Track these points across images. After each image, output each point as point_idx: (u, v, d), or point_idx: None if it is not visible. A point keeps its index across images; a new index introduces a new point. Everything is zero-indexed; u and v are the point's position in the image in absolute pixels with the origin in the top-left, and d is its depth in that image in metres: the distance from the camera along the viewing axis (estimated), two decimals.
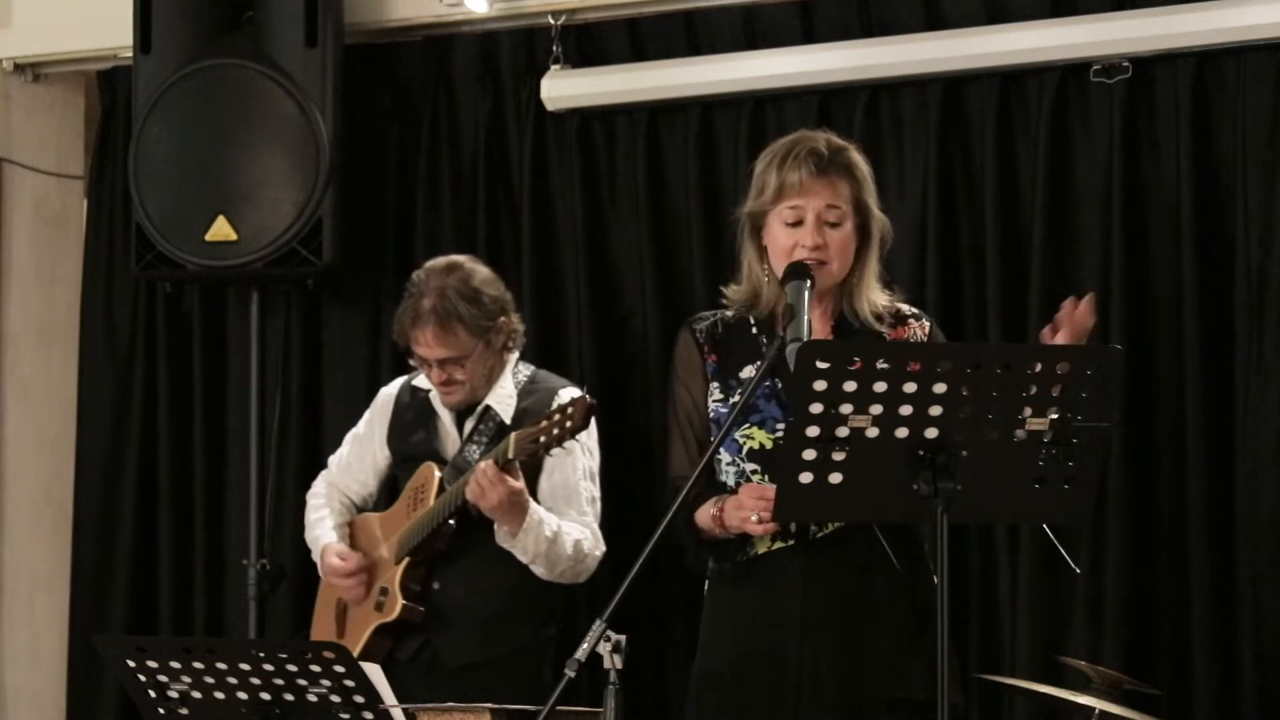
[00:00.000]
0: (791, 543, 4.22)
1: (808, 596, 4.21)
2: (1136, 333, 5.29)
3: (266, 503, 6.05)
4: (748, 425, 4.25)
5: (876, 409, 3.69)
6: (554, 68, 5.84)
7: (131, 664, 4.07)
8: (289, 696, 4.00)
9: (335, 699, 3.98)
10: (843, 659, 4.19)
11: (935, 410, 3.69)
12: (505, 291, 5.10)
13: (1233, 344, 5.25)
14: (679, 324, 4.48)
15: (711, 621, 4.35)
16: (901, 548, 4.21)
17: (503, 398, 5.04)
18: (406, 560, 5.01)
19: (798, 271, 4.13)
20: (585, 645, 3.69)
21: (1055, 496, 3.80)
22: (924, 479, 3.71)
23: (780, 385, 4.23)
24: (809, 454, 3.72)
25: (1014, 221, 5.46)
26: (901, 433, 3.71)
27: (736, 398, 4.24)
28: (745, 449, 4.25)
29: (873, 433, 3.71)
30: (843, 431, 3.71)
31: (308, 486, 5.40)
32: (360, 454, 5.28)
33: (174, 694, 4.07)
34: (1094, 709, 4.35)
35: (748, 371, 4.29)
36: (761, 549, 4.25)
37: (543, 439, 4.69)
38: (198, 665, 4.02)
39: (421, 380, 5.14)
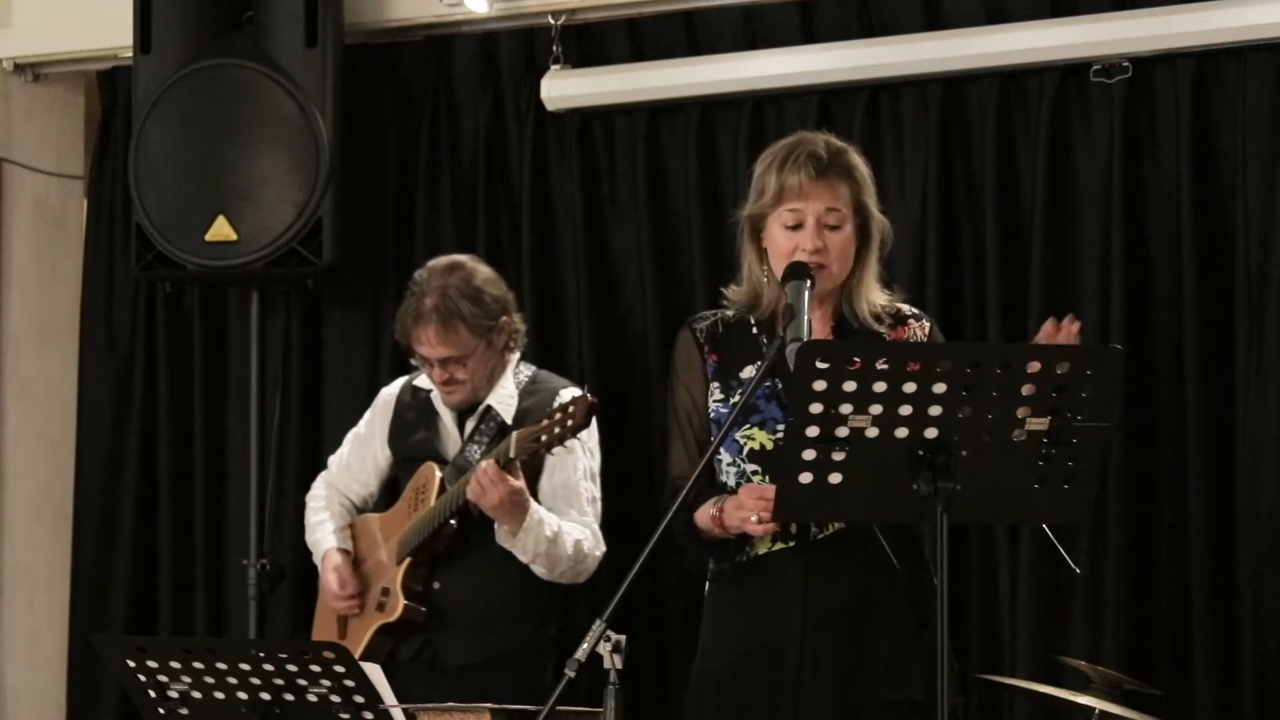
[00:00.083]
0: (792, 544, 4.22)
1: (808, 597, 4.20)
2: (1136, 333, 5.29)
3: (266, 503, 6.05)
4: (748, 426, 4.25)
5: (876, 409, 3.69)
6: (554, 68, 5.85)
7: (131, 664, 4.07)
8: (289, 696, 4.00)
9: (335, 699, 3.98)
10: (842, 659, 4.19)
11: (935, 410, 3.69)
12: (507, 291, 5.10)
13: (1233, 344, 5.25)
14: (679, 324, 4.48)
15: (711, 621, 4.35)
16: (901, 548, 4.21)
17: (504, 398, 5.04)
18: (408, 560, 5.01)
19: (797, 271, 4.13)
20: (585, 645, 3.69)
21: (1055, 496, 3.79)
22: (924, 479, 3.71)
23: (781, 386, 4.22)
24: (809, 454, 3.72)
25: (1014, 221, 5.46)
26: (901, 433, 3.71)
27: (737, 398, 4.24)
28: (746, 450, 4.25)
29: (872, 433, 3.70)
30: (842, 431, 3.71)
31: (308, 486, 5.40)
32: (361, 454, 5.27)
33: (174, 694, 4.07)
34: (1094, 709, 4.35)
35: (748, 371, 4.29)
36: (762, 550, 4.24)
37: (544, 438, 4.69)
38: (198, 665, 4.02)
39: (423, 380, 5.14)
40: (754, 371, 4.24)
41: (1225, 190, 5.29)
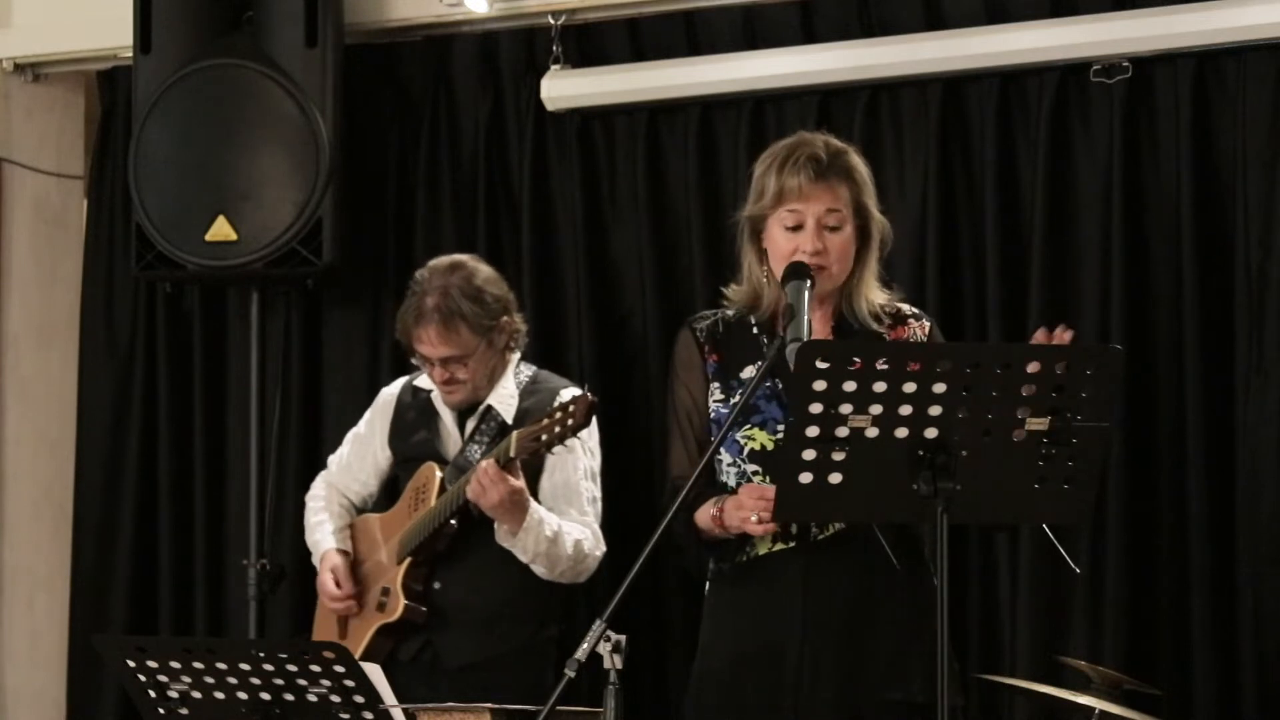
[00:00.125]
0: (792, 544, 4.22)
1: (808, 597, 4.20)
2: (1136, 333, 5.29)
3: (266, 503, 6.05)
4: (749, 426, 4.25)
5: (876, 409, 3.69)
6: (554, 68, 5.85)
7: (131, 664, 4.07)
8: (289, 696, 4.00)
9: (335, 699, 3.98)
10: (842, 660, 4.19)
11: (935, 410, 3.69)
12: (508, 291, 5.10)
13: (1233, 344, 5.25)
14: (679, 324, 4.47)
15: (711, 621, 4.35)
16: (901, 548, 4.21)
17: (504, 398, 5.04)
18: (408, 560, 5.01)
19: (798, 271, 4.13)
20: (585, 645, 3.69)
21: (1055, 496, 3.79)
22: (924, 479, 3.71)
23: (781, 386, 4.22)
24: (809, 454, 3.72)
25: (1014, 221, 5.46)
26: (901, 433, 3.70)
27: (737, 398, 4.24)
28: (746, 450, 4.25)
29: (872, 433, 3.70)
30: (842, 431, 3.71)
31: (308, 486, 5.40)
32: (361, 454, 5.27)
33: (174, 694, 4.07)
34: (1094, 709, 4.35)
35: (749, 371, 4.29)
36: (763, 550, 4.24)
37: (544, 437, 4.69)
38: (198, 665, 4.02)
39: (423, 380, 5.14)
40: (754, 372, 4.24)
41: (1225, 190, 5.29)
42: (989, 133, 5.48)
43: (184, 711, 4.09)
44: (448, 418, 5.10)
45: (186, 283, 6.14)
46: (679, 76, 5.73)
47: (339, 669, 3.94)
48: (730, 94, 5.69)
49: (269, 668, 3.98)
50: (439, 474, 5.02)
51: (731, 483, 4.27)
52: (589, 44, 5.89)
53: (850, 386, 3.67)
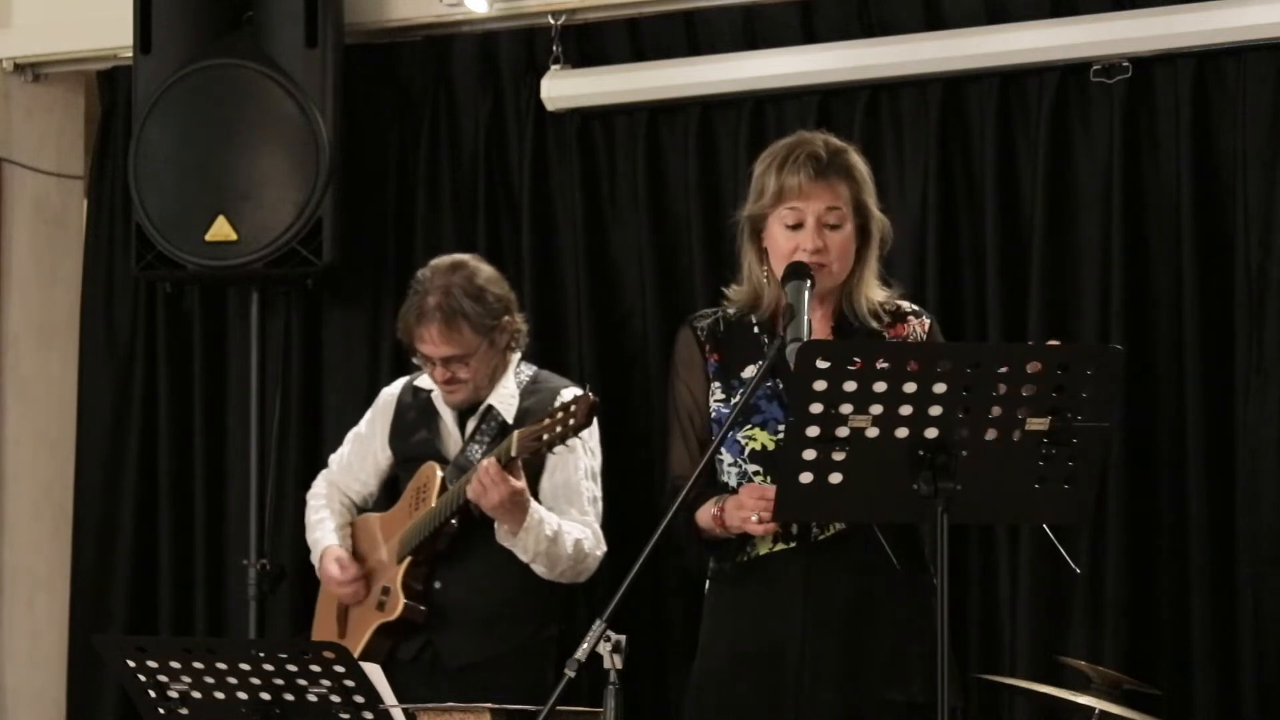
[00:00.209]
0: (793, 544, 4.22)
1: (808, 597, 4.20)
2: (1136, 333, 5.29)
3: (266, 503, 6.05)
4: (749, 426, 4.25)
5: (876, 409, 3.69)
6: (554, 68, 5.85)
7: (131, 664, 4.07)
8: (289, 696, 4.00)
9: (335, 699, 3.98)
10: (842, 660, 4.19)
11: (935, 410, 3.69)
12: (509, 291, 5.10)
13: (1233, 344, 5.25)
14: (679, 324, 4.48)
15: (711, 621, 4.35)
16: (901, 548, 4.21)
17: (505, 397, 5.04)
18: (408, 560, 5.01)
19: (798, 271, 4.13)
20: (585, 645, 3.69)
21: (1055, 496, 3.80)
22: (924, 479, 3.71)
23: (781, 386, 4.22)
24: (809, 454, 3.72)
25: (1014, 221, 5.46)
26: (901, 433, 3.71)
27: (738, 398, 4.24)
28: (747, 450, 4.25)
29: (873, 433, 3.70)
30: (843, 431, 3.71)
31: (308, 486, 5.40)
32: (361, 454, 5.27)
33: (174, 694, 4.07)
34: (1094, 709, 4.35)
35: (749, 371, 4.29)
36: (763, 550, 4.24)
37: (545, 437, 4.69)
38: (198, 665, 4.02)
39: (424, 380, 5.14)
40: (755, 371, 4.24)
41: (1225, 190, 5.29)
42: (989, 133, 5.48)
43: (184, 711, 4.09)
44: (448, 417, 5.10)
45: (186, 283, 6.14)
46: (679, 76, 5.73)
47: (339, 669, 3.94)
48: (730, 94, 5.69)
49: (269, 668, 3.98)
50: (440, 473, 5.02)
51: (732, 483, 4.27)
52: (589, 44, 5.89)
53: (850, 386, 3.67)
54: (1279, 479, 5.18)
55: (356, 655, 4.56)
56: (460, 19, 6.00)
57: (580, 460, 5.00)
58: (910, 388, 3.68)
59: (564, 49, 5.85)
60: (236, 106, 5.90)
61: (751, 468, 4.25)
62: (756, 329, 4.34)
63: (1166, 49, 5.32)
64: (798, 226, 4.24)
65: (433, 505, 4.99)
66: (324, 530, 5.23)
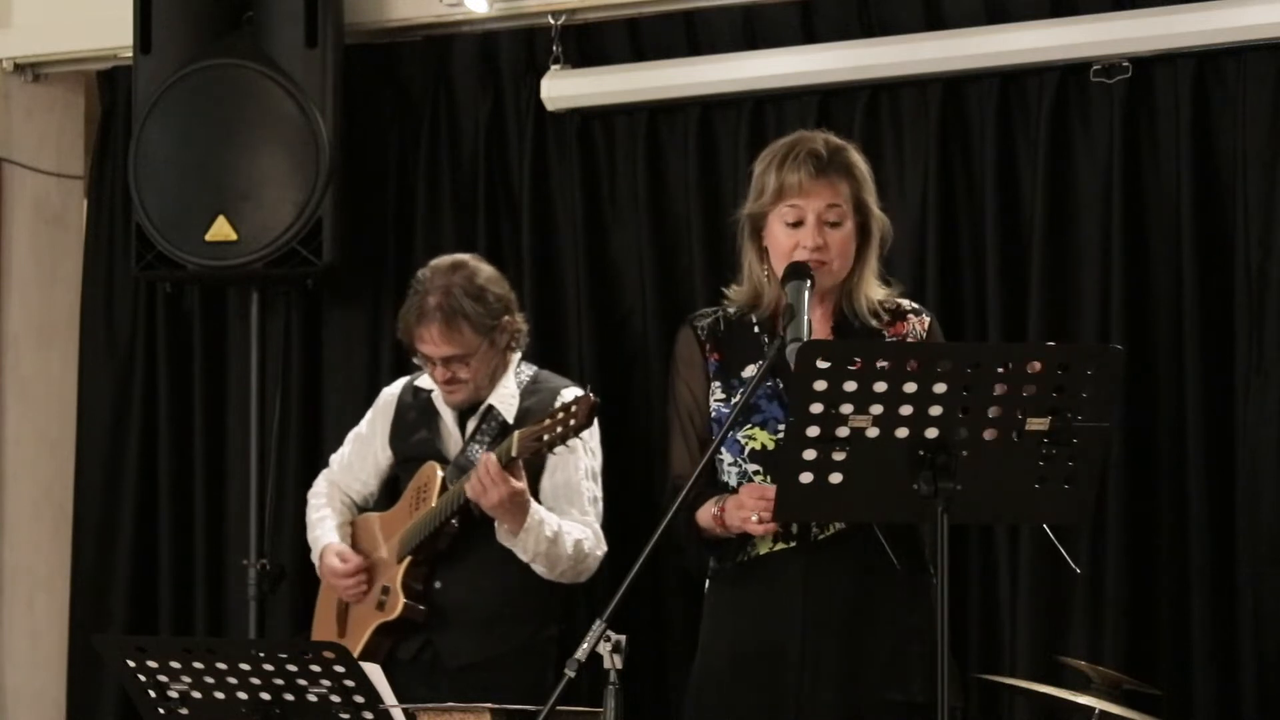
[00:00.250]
0: (793, 544, 4.22)
1: (808, 597, 4.20)
2: (1136, 333, 5.29)
3: (266, 503, 6.05)
4: (749, 426, 4.25)
5: (877, 409, 3.69)
6: (554, 68, 5.85)
7: (131, 664, 4.07)
8: (289, 696, 4.00)
9: (335, 699, 3.98)
10: (842, 660, 4.19)
11: (935, 410, 3.69)
12: (510, 290, 5.10)
13: (1233, 344, 5.25)
14: (679, 324, 4.48)
15: (711, 621, 4.35)
16: (901, 548, 4.21)
17: (505, 397, 5.04)
18: (408, 559, 5.01)
19: (798, 271, 4.13)
20: (585, 645, 3.69)
21: (1055, 496, 3.80)
22: (924, 479, 3.71)
23: (782, 386, 4.22)
24: (809, 454, 3.72)
25: (1014, 221, 5.46)
26: (902, 433, 3.71)
27: (738, 397, 4.24)
28: (747, 450, 4.25)
29: (873, 433, 3.71)
30: (843, 431, 3.71)
31: (308, 486, 5.40)
32: (362, 453, 5.28)
33: (174, 694, 4.07)
34: (1094, 709, 4.35)
35: (750, 370, 4.29)
36: (763, 549, 4.24)
37: (546, 437, 4.69)
38: (198, 665, 4.02)
39: (424, 380, 5.14)
40: (755, 371, 4.24)
41: (1225, 190, 5.29)
42: (989, 133, 5.48)
43: (184, 711, 4.09)
44: (448, 417, 5.10)
45: (186, 283, 6.14)
46: (679, 76, 5.73)
47: (339, 669, 3.94)
48: (730, 94, 5.69)
49: (269, 668, 3.98)
50: (440, 473, 5.02)
51: (732, 482, 4.27)
52: (589, 44, 5.89)
53: (851, 386, 3.67)
54: (1279, 479, 5.18)
55: (356, 655, 4.56)
56: (460, 19, 6.00)
57: (581, 460, 5.00)
58: (910, 388, 3.68)
59: (564, 49, 5.85)
60: (236, 106, 5.90)
61: (751, 467, 4.25)
62: (757, 328, 4.34)
63: (1166, 49, 5.32)
64: (798, 224, 4.24)
65: (433, 505, 4.99)
66: (325, 528, 5.23)
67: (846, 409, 3.69)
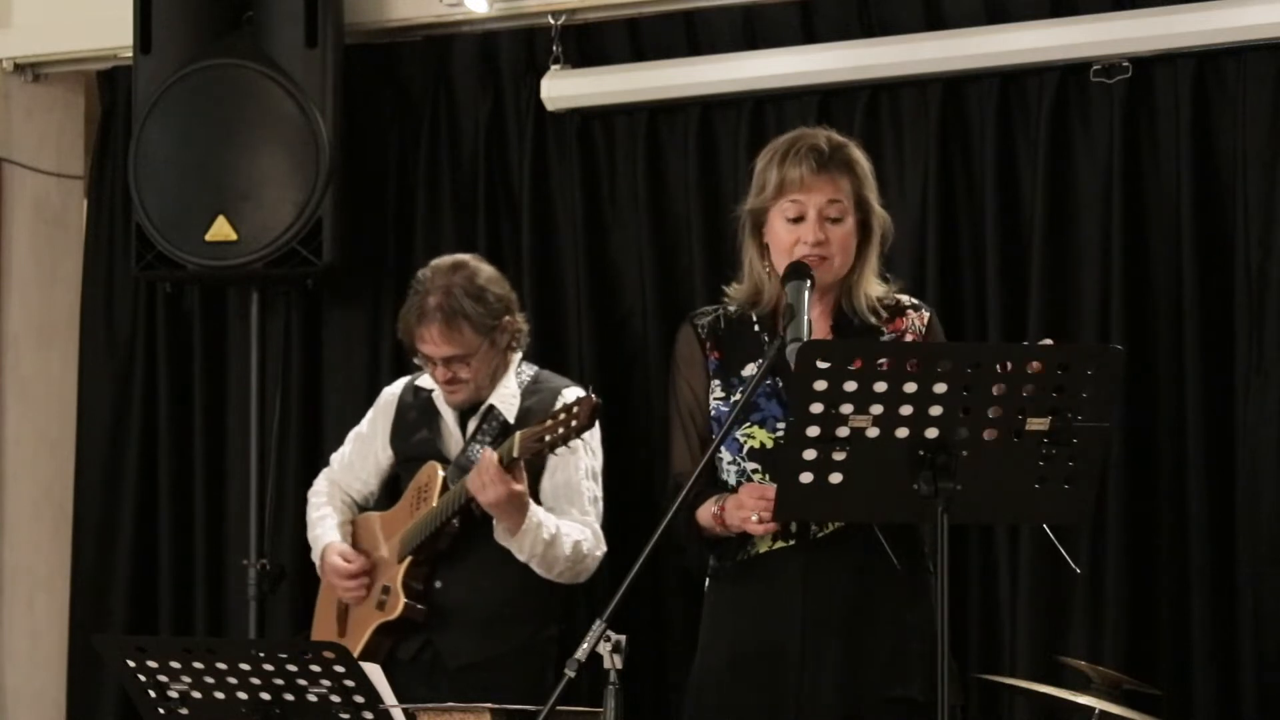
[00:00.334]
0: (792, 542, 4.22)
1: (808, 595, 4.20)
2: (1136, 333, 5.29)
3: (266, 503, 6.05)
4: (748, 424, 4.24)
5: (877, 409, 3.69)
6: (554, 68, 5.85)
7: (131, 664, 4.07)
8: (289, 696, 4.00)
9: (335, 699, 3.98)
10: (842, 658, 4.19)
11: (935, 410, 3.69)
12: (510, 291, 5.10)
13: (1233, 344, 5.25)
14: (679, 323, 4.47)
15: (711, 620, 4.35)
16: (902, 548, 4.21)
17: (506, 397, 5.04)
18: (409, 559, 5.01)
19: (798, 271, 4.13)
20: (585, 645, 3.69)
21: (1055, 496, 3.80)
22: (924, 479, 3.71)
23: (781, 384, 4.23)
24: (809, 454, 3.72)
25: (1014, 221, 5.46)
26: (902, 433, 3.71)
27: (738, 396, 4.24)
28: (746, 448, 4.25)
29: (873, 433, 3.71)
30: (843, 431, 3.71)
31: (308, 486, 5.40)
32: (362, 453, 5.27)
33: (174, 694, 4.07)
34: (1094, 709, 4.35)
35: (750, 369, 4.29)
36: (762, 548, 4.24)
37: (548, 438, 4.69)
38: (198, 665, 4.02)
39: (425, 380, 5.14)
40: (755, 369, 4.24)
41: (1225, 190, 5.29)
42: (989, 133, 5.48)
43: (184, 711, 4.09)
44: (449, 417, 5.10)
45: (186, 283, 6.14)
46: (679, 76, 5.73)
47: (339, 669, 3.94)
48: (730, 94, 5.69)
49: (269, 668, 3.98)
50: (441, 473, 5.02)
51: (732, 481, 4.27)
52: (589, 44, 5.89)
53: (851, 386, 3.67)
54: (1279, 479, 5.18)
55: (356, 655, 4.56)
56: (460, 19, 6.00)
57: (581, 460, 5.00)
58: (910, 388, 3.68)
59: (564, 49, 5.85)
60: (236, 106, 5.90)
61: (750, 466, 4.25)
62: (757, 327, 4.34)
63: (1166, 49, 5.32)
64: (799, 220, 4.24)
65: (434, 505, 4.99)
66: (325, 527, 5.23)
67: (846, 409, 3.69)
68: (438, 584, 5.02)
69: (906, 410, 3.69)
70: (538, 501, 4.92)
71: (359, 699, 3.97)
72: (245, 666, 3.99)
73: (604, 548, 5.01)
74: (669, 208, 5.79)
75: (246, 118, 5.90)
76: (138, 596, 6.25)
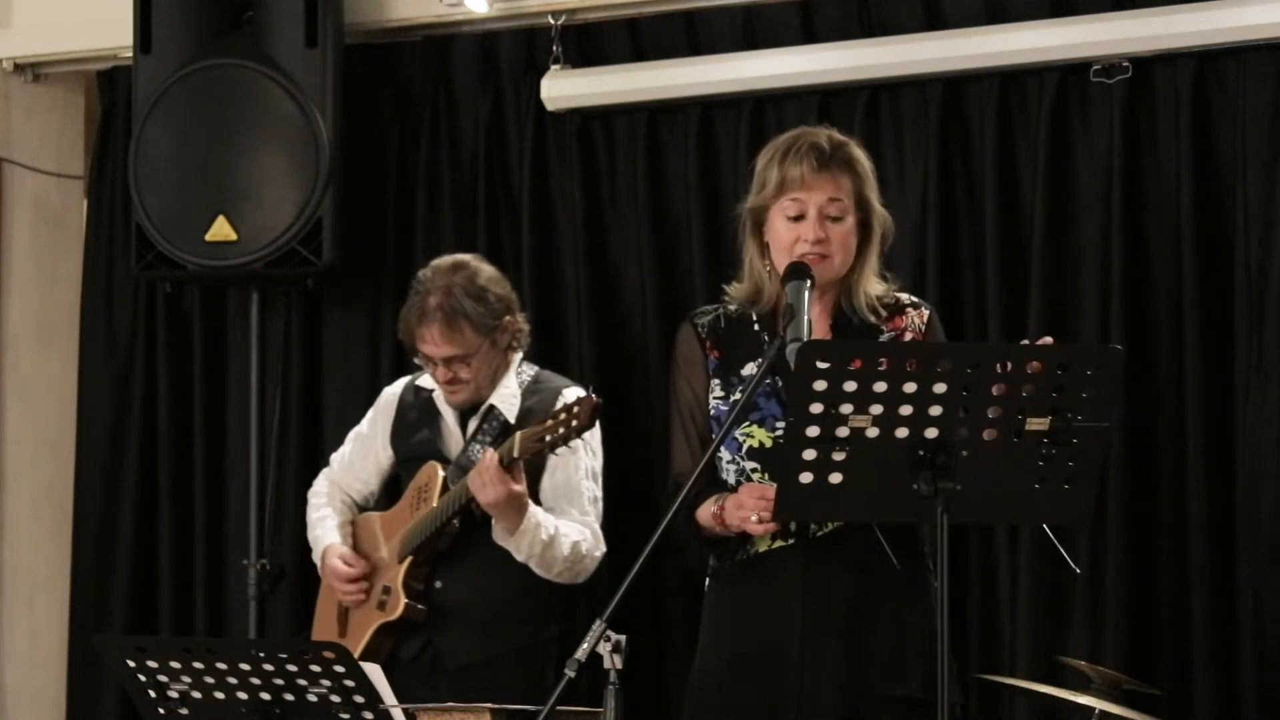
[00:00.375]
0: (791, 541, 4.22)
1: (808, 595, 4.20)
2: (1136, 333, 5.29)
3: (266, 503, 6.05)
4: (747, 423, 4.25)
5: (876, 409, 3.69)
6: (554, 68, 5.85)
7: (131, 664, 4.07)
8: (289, 696, 4.00)
9: (335, 699, 3.98)
10: (842, 657, 4.19)
11: (935, 410, 3.69)
12: (511, 291, 5.10)
13: (1233, 344, 5.25)
14: (679, 324, 4.48)
15: (711, 620, 4.35)
16: (902, 547, 4.21)
17: (507, 397, 5.04)
18: (409, 559, 5.01)
19: (798, 271, 4.13)
20: (585, 645, 3.69)
21: (1055, 496, 3.80)
22: (924, 479, 3.71)
23: (780, 384, 4.23)
24: (809, 454, 3.72)
25: (1014, 221, 5.46)
26: (901, 433, 3.71)
27: (738, 395, 4.24)
28: (745, 447, 4.25)
29: (873, 433, 3.71)
30: (843, 431, 3.71)
31: (308, 486, 5.40)
32: (363, 453, 5.27)
33: (174, 694, 4.07)
34: (1094, 709, 4.35)
35: (749, 368, 4.30)
36: (762, 547, 4.25)
37: (548, 438, 4.69)
38: (198, 665, 4.02)
39: (425, 380, 5.14)
40: (755, 369, 4.24)
41: (1225, 190, 5.29)
42: (989, 133, 5.48)
43: (184, 711, 4.09)
44: (450, 417, 5.10)
45: (186, 283, 6.14)
46: (679, 76, 5.73)
47: (339, 669, 3.94)
48: (730, 94, 5.69)
49: (269, 668, 3.98)
50: (441, 473, 5.02)
51: (731, 480, 4.27)
52: (589, 44, 5.89)
53: (850, 386, 3.67)
54: (1279, 479, 5.18)
55: (357, 655, 4.56)
56: (460, 19, 6.00)
57: (581, 460, 5.00)
58: (910, 388, 3.68)
59: (564, 49, 5.85)
60: (236, 106, 5.90)
61: (749, 465, 4.25)
62: (757, 326, 4.34)
63: (1166, 49, 5.32)
64: (799, 218, 4.25)
65: (434, 505, 4.99)
66: (325, 528, 5.23)
67: (846, 409, 3.69)
68: (438, 584, 5.02)
69: (906, 410, 3.69)
70: (537, 502, 4.92)
71: (359, 699, 3.97)
72: (245, 666, 3.99)
73: (603, 548, 5.01)
74: (669, 208, 5.79)
75: (246, 118, 5.90)
76: (138, 596, 6.25)
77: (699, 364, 4.36)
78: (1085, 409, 3.71)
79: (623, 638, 3.71)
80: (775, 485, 3.89)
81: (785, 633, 4.21)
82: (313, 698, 3.99)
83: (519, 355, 5.11)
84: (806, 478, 3.74)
